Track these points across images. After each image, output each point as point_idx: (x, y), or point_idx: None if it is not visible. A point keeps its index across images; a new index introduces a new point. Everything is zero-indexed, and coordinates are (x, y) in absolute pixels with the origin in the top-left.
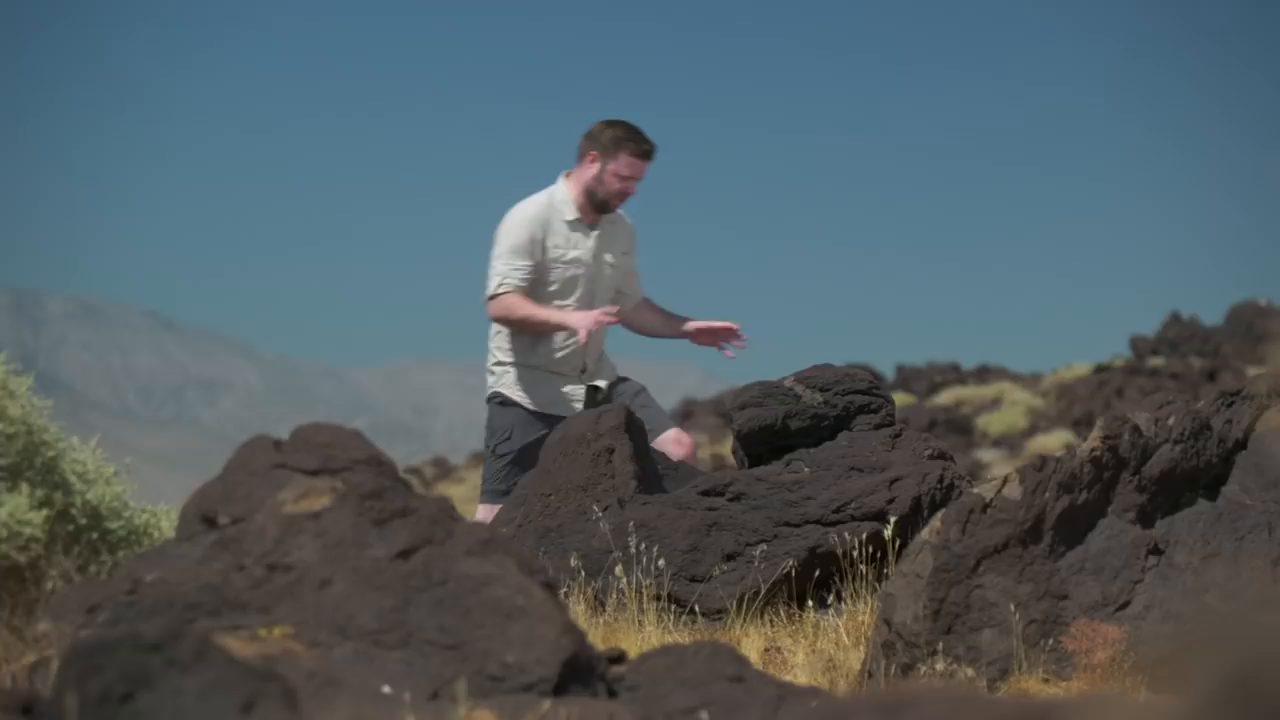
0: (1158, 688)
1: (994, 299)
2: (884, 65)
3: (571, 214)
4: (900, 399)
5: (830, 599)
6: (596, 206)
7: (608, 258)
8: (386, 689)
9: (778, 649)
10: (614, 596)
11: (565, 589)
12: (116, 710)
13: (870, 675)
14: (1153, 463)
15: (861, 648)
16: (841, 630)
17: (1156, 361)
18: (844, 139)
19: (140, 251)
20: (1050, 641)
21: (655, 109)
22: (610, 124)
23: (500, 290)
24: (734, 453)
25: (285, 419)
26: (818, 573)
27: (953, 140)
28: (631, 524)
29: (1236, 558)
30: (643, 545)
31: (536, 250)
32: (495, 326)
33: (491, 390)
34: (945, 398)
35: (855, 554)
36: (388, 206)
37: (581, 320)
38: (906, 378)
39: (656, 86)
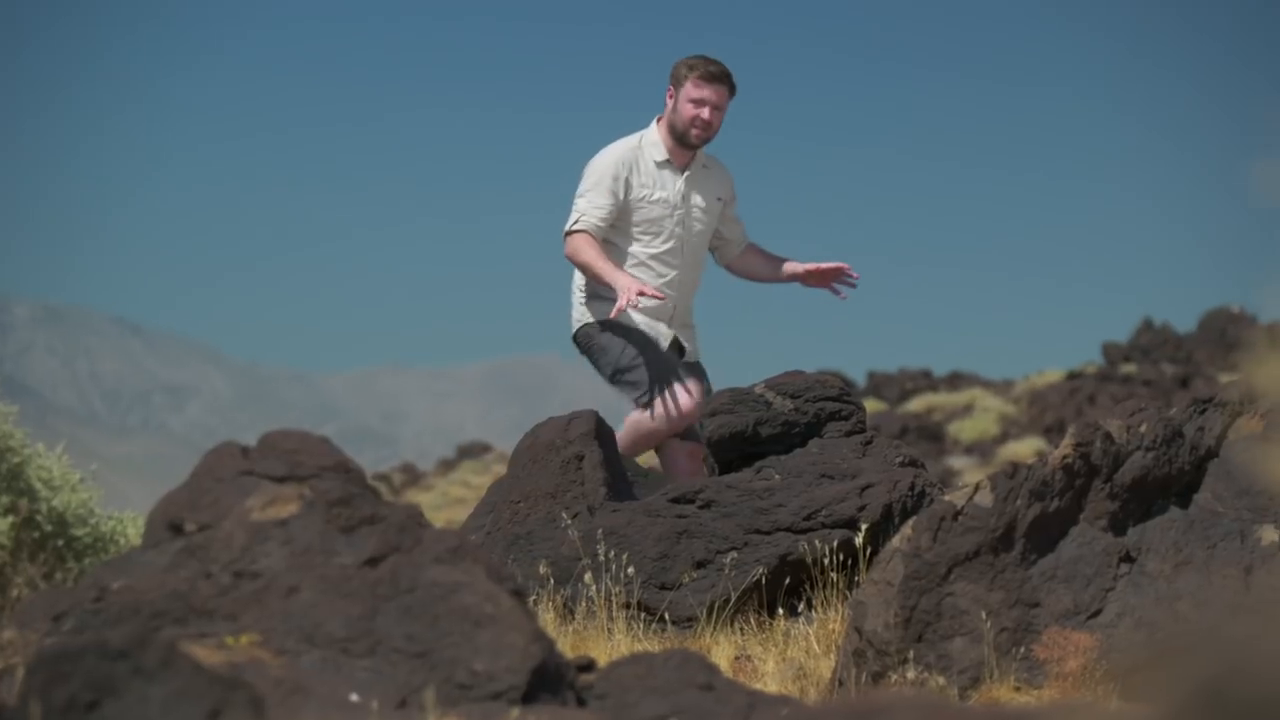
0: (1129, 696)
1: (966, 305)
2: (854, 67)
3: (660, 155)
4: (871, 406)
5: (801, 607)
6: (680, 142)
7: (697, 200)
8: (354, 697)
9: (748, 657)
10: (583, 604)
11: (534, 597)
12: (82, 718)
13: (841, 683)
14: (1125, 470)
15: (832, 656)
16: (812, 638)
17: (1129, 368)
18: (813, 141)
19: (107, 256)
20: (1022, 650)
21: (625, 109)
22: (684, 58)
23: (576, 227)
24: (705, 460)
25: (253, 425)
26: (788, 580)
27: (925, 145)
28: (601, 531)
29: (1208, 566)
30: (612, 553)
31: (620, 189)
32: None
33: (580, 325)
34: (917, 404)
35: (826, 562)
36: (357, 211)
37: (625, 287)
38: (878, 384)
39: (630, 86)
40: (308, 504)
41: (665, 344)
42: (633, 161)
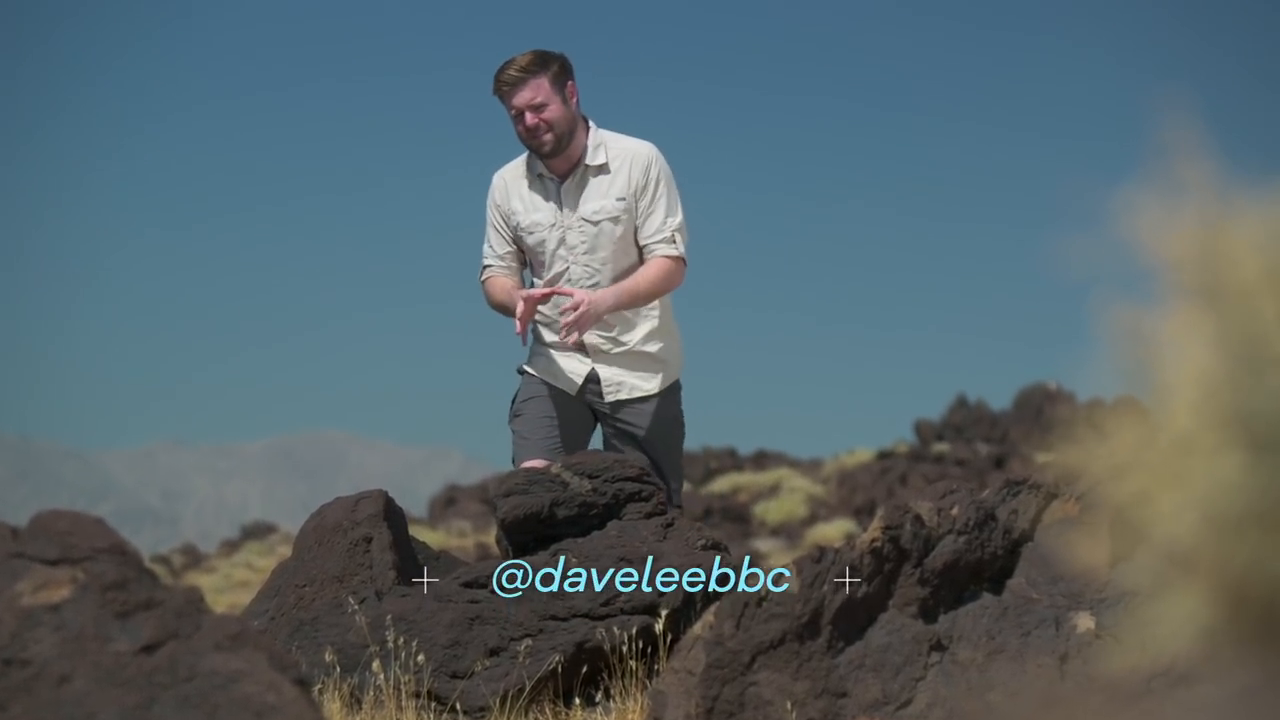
0: None
1: (772, 381)
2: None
3: (536, 170)
4: None
5: (598, 696)
6: (540, 155)
7: (585, 208)
8: None
9: None
10: (371, 693)
11: (319, 685)
12: None
13: None
14: (935, 554)
15: None
16: None
17: (941, 447)
18: None
19: None
20: None
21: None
22: None
23: (481, 278)
24: (498, 542)
25: (26, 504)
26: (585, 669)
27: (727, 209)
28: (390, 617)
29: (1022, 654)
30: (401, 639)
31: (499, 219)
32: None
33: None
34: (721, 484)
35: (625, 649)
36: (135, 279)
37: (516, 309)
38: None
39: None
40: (81, 588)
41: (578, 383)
42: (507, 186)
